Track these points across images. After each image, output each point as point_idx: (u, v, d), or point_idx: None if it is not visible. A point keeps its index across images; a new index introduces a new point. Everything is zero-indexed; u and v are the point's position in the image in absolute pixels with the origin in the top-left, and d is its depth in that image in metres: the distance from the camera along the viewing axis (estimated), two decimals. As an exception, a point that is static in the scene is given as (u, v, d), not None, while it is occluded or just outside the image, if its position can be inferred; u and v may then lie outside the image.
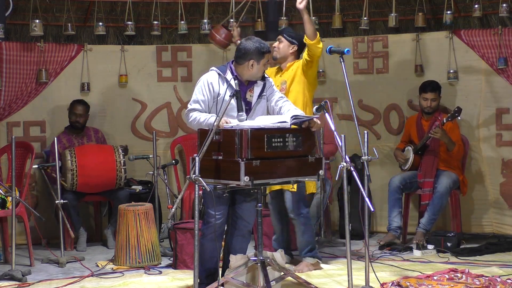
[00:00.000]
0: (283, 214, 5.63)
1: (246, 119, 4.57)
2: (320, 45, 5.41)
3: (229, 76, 4.73)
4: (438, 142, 6.41)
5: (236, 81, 4.68)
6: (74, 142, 6.88)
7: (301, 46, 5.56)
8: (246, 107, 4.64)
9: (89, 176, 6.45)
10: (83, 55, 7.13)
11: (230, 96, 4.50)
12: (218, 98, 4.69)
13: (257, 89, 4.80)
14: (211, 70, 4.81)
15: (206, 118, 4.61)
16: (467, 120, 6.82)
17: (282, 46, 5.58)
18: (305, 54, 5.46)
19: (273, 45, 5.56)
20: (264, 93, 4.82)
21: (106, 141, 7.08)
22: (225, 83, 4.70)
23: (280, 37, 5.62)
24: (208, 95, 4.71)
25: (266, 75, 4.88)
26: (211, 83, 4.71)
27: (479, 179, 6.92)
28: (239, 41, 5.74)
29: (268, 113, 4.86)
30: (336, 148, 6.18)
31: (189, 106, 4.77)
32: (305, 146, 4.46)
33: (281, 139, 4.33)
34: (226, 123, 4.43)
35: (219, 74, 4.74)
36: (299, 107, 5.17)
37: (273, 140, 4.29)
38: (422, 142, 6.45)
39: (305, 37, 5.41)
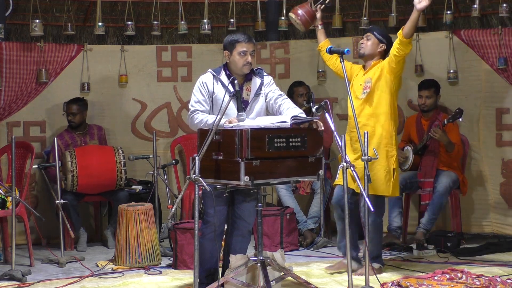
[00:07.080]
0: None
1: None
2: (411, 44, 5.27)
3: (223, 76, 4.76)
4: (438, 142, 6.40)
5: (236, 81, 4.67)
6: (77, 139, 6.87)
7: (389, 47, 5.35)
8: (242, 105, 4.63)
9: (89, 177, 6.44)
10: (83, 55, 7.13)
11: (230, 96, 4.49)
12: (214, 96, 4.71)
13: (254, 87, 4.80)
14: (207, 72, 4.85)
15: (214, 120, 4.50)
16: (467, 120, 6.81)
17: (370, 43, 5.36)
18: (393, 50, 5.22)
19: (360, 42, 5.41)
20: (262, 91, 4.82)
21: (106, 139, 7.08)
22: (219, 83, 4.74)
23: (368, 34, 5.39)
24: (205, 94, 4.73)
25: (265, 73, 4.88)
26: (205, 83, 4.75)
27: (479, 179, 6.91)
28: (320, 26, 5.69)
29: (267, 110, 4.85)
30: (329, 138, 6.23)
31: (191, 108, 4.75)
32: (310, 146, 4.45)
33: (284, 139, 4.32)
34: (231, 122, 4.42)
35: (213, 75, 4.78)
36: (384, 106, 5.22)
37: (275, 140, 4.29)
38: (422, 142, 6.44)
39: (401, 33, 5.15)
